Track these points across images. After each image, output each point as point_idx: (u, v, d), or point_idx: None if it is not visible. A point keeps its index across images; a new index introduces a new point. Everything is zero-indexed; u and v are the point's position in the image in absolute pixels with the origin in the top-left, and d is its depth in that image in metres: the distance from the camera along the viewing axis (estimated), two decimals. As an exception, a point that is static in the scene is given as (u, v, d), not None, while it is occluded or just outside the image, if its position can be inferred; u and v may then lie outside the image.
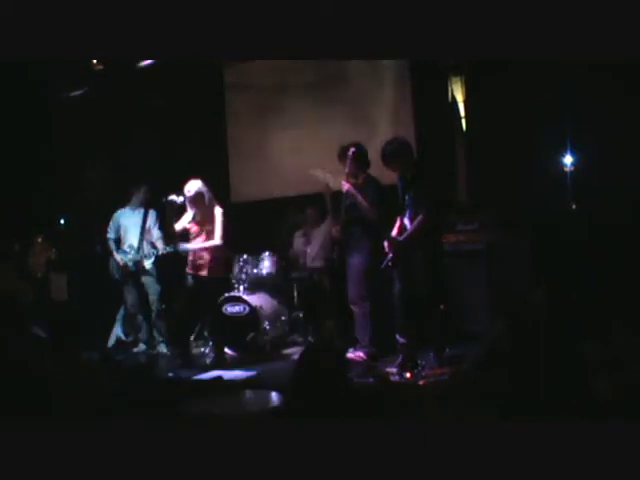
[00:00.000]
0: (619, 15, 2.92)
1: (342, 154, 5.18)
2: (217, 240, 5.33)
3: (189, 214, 5.39)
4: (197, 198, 5.32)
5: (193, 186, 5.33)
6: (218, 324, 5.81)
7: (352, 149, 5.11)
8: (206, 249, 5.34)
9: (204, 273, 5.36)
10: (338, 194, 5.30)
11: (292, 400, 2.95)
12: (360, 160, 5.14)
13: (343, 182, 5.10)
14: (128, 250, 6.06)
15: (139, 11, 3.09)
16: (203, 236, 5.37)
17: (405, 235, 4.61)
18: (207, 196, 5.38)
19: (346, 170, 5.12)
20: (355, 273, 5.15)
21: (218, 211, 5.41)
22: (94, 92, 7.55)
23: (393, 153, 4.71)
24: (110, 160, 7.65)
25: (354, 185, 5.09)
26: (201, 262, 5.35)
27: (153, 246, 6.04)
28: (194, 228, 5.39)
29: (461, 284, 5.62)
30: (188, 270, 5.43)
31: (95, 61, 7.14)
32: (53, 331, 5.51)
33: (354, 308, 5.17)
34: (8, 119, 6.97)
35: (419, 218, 4.53)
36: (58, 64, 6.22)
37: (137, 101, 7.68)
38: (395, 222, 4.79)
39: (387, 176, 5.32)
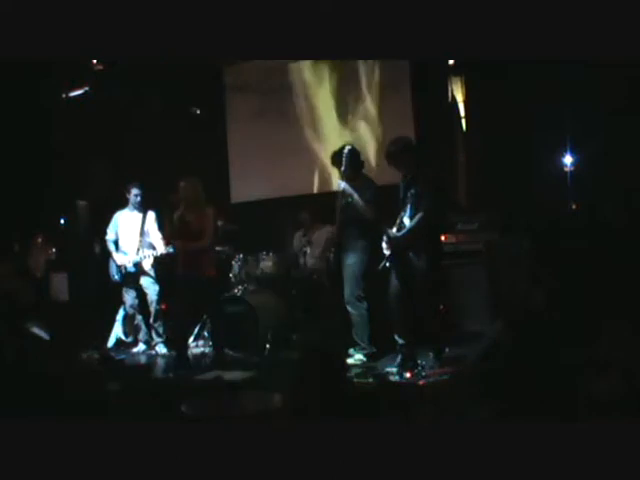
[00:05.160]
0: (619, 15, 2.92)
1: (335, 157, 5.21)
2: (205, 240, 5.35)
3: (181, 213, 5.40)
4: (191, 197, 5.35)
5: (188, 185, 5.36)
6: (218, 324, 5.80)
7: (347, 148, 5.12)
8: (197, 249, 5.34)
9: (195, 272, 5.35)
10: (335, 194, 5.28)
11: (292, 400, 2.95)
12: (355, 160, 5.15)
13: (340, 181, 5.10)
14: (127, 252, 6.06)
15: (139, 11, 3.09)
16: (194, 235, 5.37)
17: (403, 232, 4.60)
18: (201, 195, 5.41)
19: (342, 170, 5.12)
20: (351, 273, 5.14)
21: (210, 211, 5.44)
22: (94, 92, 7.56)
23: (397, 152, 4.71)
24: (110, 160, 7.65)
25: (350, 184, 5.09)
26: (191, 261, 5.35)
27: (152, 247, 6.04)
28: (186, 227, 5.40)
29: (461, 284, 5.62)
30: (179, 270, 5.44)
31: (95, 61, 7.15)
32: (53, 331, 5.52)
33: (349, 309, 5.17)
34: (8, 119, 6.97)
35: (418, 215, 4.52)
36: (58, 64, 6.22)
37: (137, 101, 7.68)
38: (393, 221, 4.78)
39: (383, 176, 5.33)
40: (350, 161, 5.10)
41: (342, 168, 5.11)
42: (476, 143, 6.38)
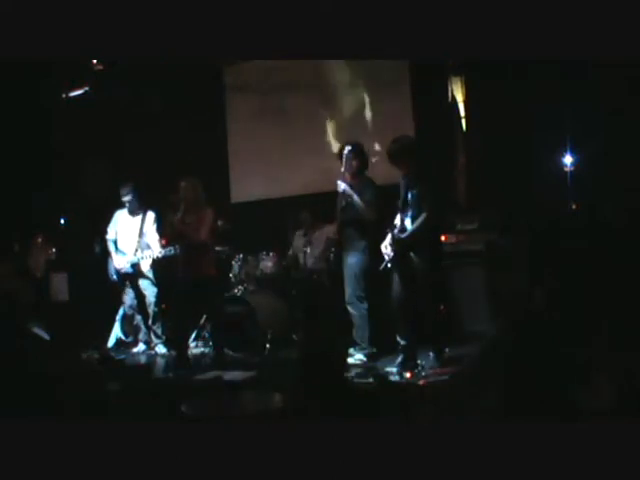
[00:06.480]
0: (619, 15, 2.92)
1: (341, 154, 5.20)
2: (205, 240, 5.35)
3: (181, 213, 5.40)
4: (191, 197, 5.35)
5: (188, 185, 5.37)
6: (218, 324, 5.81)
7: (347, 148, 5.10)
8: (197, 249, 5.35)
9: (195, 272, 5.36)
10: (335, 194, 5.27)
11: (292, 400, 2.95)
12: (356, 160, 5.13)
13: (339, 182, 5.09)
14: (125, 252, 6.05)
15: (139, 11, 3.09)
16: (193, 235, 5.38)
17: (407, 233, 4.59)
18: (201, 196, 5.42)
19: (342, 170, 5.12)
20: (352, 273, 5.14)
21: (209, 211, 5.44)
22: (94, 92, 7.56)
23: (398, 151, 4.69)
24: (110, 160, 7.65)
25: (351, 185, 5.08)
26: (191, 262, 5.35)
27: (150, 248, 6.01)
28: (186, 227, 5.40)
29: (461, 284, 5.62)
30: (179, 270, 5.44)
31: (95, 61, 7.15)
32: (53, 331, 5.52)
33: (350, 309, 5.16)
34: (8, 119, 6.97)
35: (422, 217, 4.51)
36: (58, 64, 6.22)
37: (137, 101, 7.68)
38: (392, 221, 4.77)
39: (383, 176, 5.33)
40: (351, 160, 5.09)
41: (342, 168, 5.11)
42: (476, 143, 6.37)
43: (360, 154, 5.19)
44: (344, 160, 5.08)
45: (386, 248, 4.65)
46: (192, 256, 5.36)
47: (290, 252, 6.73)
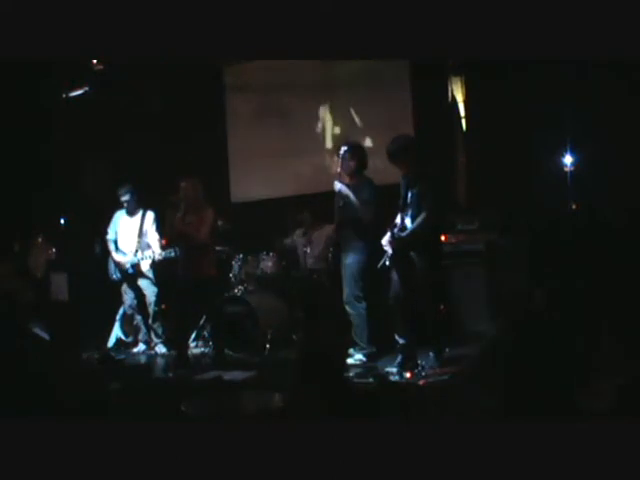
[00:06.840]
0: (619, 15, 2.92)
1: (338, 154, 5.22)
2: (205, 240, 5.35)
3: (181, 213, 5.41)
4: (191, 197, 5.36)
5: (188, 185, 5.37)
6: (218, 324, 5.80)
7: (343, 148, 5.10)
8: (197, 249, 5.35)
9: (195, 272, 5.36)
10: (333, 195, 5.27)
11: (292, 400, 2.95)
12: (353, 160, 5.13)
13: (336, 182, 5.08)
14: (126, 252, 6.05)
15: (139, 11, 3.09)
16: (193, 235, 5.38)
17: (407, 232, 4.58)
18: (201, 196, 5.43)
19: (338, 170, 5.12)
20: (349, 273, 5.13)
21: (209, 211, 5.44)
22: (94, 92, 7.55)
23: (398, 150, 4.68)
24: (110, 160, 7.65)
25: (347, 185, 5.07)
26: (191, 262, 5.35)
27: (150, 248, 6.00)
28: (186, 227, 5.40)
29: (461, 284, 5.62)
30: (180, 270, 5.45)
31: (95, 61, 7.15)
32: (53, 331, 5.52)
33: (348, 309, 5.16)
34: (8, 119, 6.97)
35: (422, 216, 4.50)
36: (58, 64, 6.23)
37: (137, 101, 7.68)
38: (391, 221, 4.76)
39: (381, 176, 5.32)
40: (347, 161, 5.09)
41: (338, 168, 5.12)
42: (476, 143, 6.37)
43: (357, 154, 5.18)
44: (340, 160, 5.09)
45: (386, 245, 4.65)
46: (192, 256, 5.36)
47: (289, 240, 6.71)
